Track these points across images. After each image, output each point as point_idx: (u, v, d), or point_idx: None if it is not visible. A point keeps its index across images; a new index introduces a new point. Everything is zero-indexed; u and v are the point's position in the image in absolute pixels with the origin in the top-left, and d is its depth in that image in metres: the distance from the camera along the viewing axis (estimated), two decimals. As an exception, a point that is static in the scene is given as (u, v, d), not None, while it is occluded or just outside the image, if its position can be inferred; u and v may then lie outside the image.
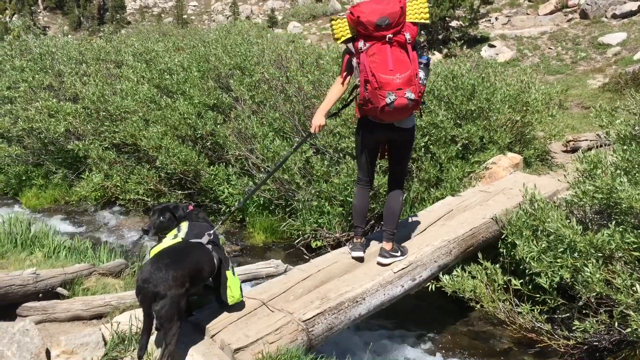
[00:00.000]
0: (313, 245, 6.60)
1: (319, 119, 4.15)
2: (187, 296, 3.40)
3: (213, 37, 11.66)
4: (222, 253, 3.75)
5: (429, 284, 4.48)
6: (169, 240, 3.65)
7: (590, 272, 3.68)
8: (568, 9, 21.40)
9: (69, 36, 24.54)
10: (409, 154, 4.41)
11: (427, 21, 4.04)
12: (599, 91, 13.05)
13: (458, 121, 6.48)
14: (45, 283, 4.74)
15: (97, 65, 10.99)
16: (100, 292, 4.94)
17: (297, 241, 6.82)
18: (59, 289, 4.84)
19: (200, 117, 8.25)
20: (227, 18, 36.33)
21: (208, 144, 8.22)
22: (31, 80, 10.39)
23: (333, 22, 3.98)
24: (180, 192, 8.14)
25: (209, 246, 3.66)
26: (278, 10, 36.42)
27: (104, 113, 8.96)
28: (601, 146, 7.28)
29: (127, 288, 5.07)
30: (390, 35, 3.77)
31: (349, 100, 4.35)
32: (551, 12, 21.66)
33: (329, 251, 6.33)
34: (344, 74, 4.07)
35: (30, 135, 9.58)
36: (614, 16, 19.46)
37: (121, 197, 8.33)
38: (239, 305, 3.85)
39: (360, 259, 4.43)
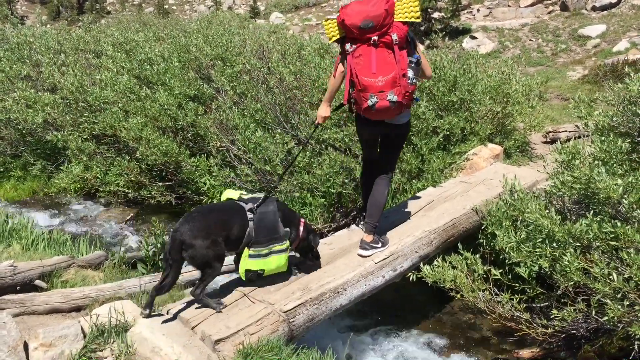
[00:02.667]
0: (295, 237, 6.58)
1: (323, 111, 4.25)
2: (221, 246, 3.66)
3: (194, 28, 11.56)
4: (265, 230, 3.82)
5: (410, 274, 4.50)
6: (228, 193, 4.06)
7: (568, 262, 3.73)
8: (549, 1, 21.56)
9: (48, 26, 24.14)
10: (399, 148, 4.48)
11: (418, 20, 4.01)
12: (578, 83, 13.18)
13: (440, 112, 6.50)
14: (23, 275, 4.69)
15: (76, 56, 10.87)
16: (80, 284, 4.91)
17: (279, 232, 6.80)
18: (37, 282, 4.80)
19: (181, 108, 8.18)
20: (209, 8, 35.98)
21: (189, 135, 8.16)
22: (8, 70, 10.24)
23: (324, 22, 4.03)
24: (161, 183, 8.08)
25: (249, 214, 3.81)
26: (260, 1, 36.17)
27: (83, 104, 8.86)
28: (580, 137, 7.35)
29: (107, 280, 5.05)
30: (376, 38, 3.77)
31: (340, 103, 4.34)
32: (532, 4, 21.79)
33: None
34: (336, 70, 4.06)
35: (7, 126, 9.44)
36: (594, 8, 19.65)
37: (101, 189, 8.25)
38: (220, 296, 3.85)
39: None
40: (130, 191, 8.05)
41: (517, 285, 4.34)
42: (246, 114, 7.56)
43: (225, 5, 35.63)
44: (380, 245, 4.41)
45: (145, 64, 9.24)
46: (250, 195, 4.02)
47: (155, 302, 3.94)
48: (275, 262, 3.88)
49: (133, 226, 7.77)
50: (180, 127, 8.08)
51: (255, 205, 3.84)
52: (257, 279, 3.94)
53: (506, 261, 4.43)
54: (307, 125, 6.81)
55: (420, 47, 4.26)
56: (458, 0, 19.74)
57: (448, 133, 6.37)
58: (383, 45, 3.80)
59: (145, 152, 7.65)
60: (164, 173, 8.08)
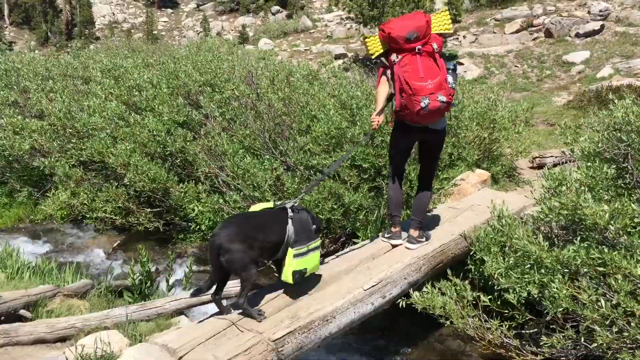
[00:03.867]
0: (284, 262, 6.55)
1: (378, 117, 4.61)
2: (256, 252, 3.79)
3: (183, 54, 11.63)
4: (302, 229, 4.03)
5: (399, 301, 4.48)
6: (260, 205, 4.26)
7: (557, 288, 3.73)
8: (533, 28, 21.94)
9: (36, 51, 24.17)
10: (439, 154, 4.92)
11: (450, 31, 4.58)
12: (563, 108, 13.35)
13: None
14: (8, 305, 4.62)
15: (64, 82, 10.87)
16: (65, 314, 4.83)
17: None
18: (22, 312, 4.72)
19: (169, 134, 8.18)
20: (198, 34, 36.27)
21: (177, 161, 8.15)
22: (-5, 97, 10.20)
23: (367, 39, 4.50)
24: (149, 210, 8.03)
25: (290, 220, 4.01)
26: (249, 26, 36.54)
27: (70, 130, 8.83)
28: (566, 162, 7.43)
29: (93, 309, 4.98)
30: (420, 47, 4.26)
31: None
32: (517, 31, 22.16)
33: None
34: (379, 83, 4.54)
35: (-6, 152, 9.37)
36: (577, 35, 20.01)
37: (88, 216, 8.18)
38: (208, 325, 3.81)
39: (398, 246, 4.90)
40: (117, 218, 7.99)
41: (507, 311, 4.34)
42: (235, 139, 7.57)
43: (214, 31, 35.93)
44: (424, 239, 4.87)
45: (134, 90, 9.26)
46: (281, 202, 4.24)
47: (142, 331, 3.89)
48: (313, 259, 4.09)
49: (120, 254, 7.69)
50: (169, 153, 8.07)
51: (295, 207, 4.11)
52: (300, 280, 4.03)
53: (495, 287, 4.43)
54: (295, 151, 6.82)
55: None
56: (444, 27, 20.04)
57: (436, 159, 6.40)
58: (425, 54, 4.28)
59: (133, 179, 7.61)
60: (152, 199, 8.04)
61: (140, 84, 9.35)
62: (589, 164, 4.53)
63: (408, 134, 4.61)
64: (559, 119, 11.22)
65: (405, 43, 4.25)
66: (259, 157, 7.29)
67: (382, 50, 4.43)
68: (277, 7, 40.00)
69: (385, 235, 5.04)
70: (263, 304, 4.04)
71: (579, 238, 3.98)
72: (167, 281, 5.65)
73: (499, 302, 4.40)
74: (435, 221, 5.36)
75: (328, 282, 4.35)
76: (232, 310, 3.89)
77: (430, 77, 4.23)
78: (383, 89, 4.52)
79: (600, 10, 20.71)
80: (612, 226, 3.81)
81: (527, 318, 4.34)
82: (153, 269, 5.86)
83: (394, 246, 4.90)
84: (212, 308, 4.52)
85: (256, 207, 4.26)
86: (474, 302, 4.49)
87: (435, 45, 4.30)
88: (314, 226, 4.19)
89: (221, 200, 7.24)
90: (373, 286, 4.26)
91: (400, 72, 4.28)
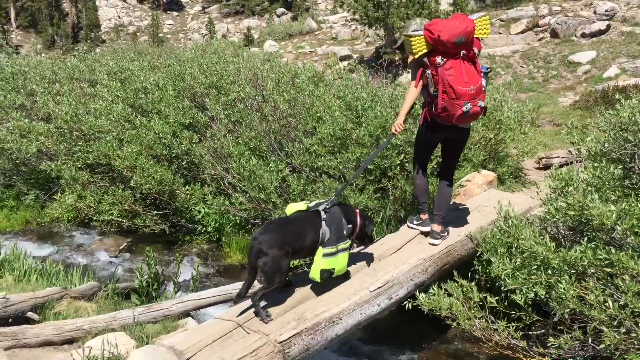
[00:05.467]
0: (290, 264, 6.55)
1: (400, 120, 4.71)
2: (289, 259, 4.03)
3: (189, 56, 11.66)
4: (334, 230, 4.18)
5: (405, 302, 4.47)
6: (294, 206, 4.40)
7: (564, 289, 3.72)
8: (539, 28, 21.87)
9: (43, 55, 24.29)
10: (461, 152, 5.10)
11: (488, 36, 4.80)
12: (569, 109, 13.30)
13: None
14: (15, 308, 4.64)
15: (71, 85, 10.91)
16: (72, 316, 4.85)
17: (274, 261, 6.78)
18: (30, 314, 4.74)
19: (175, 136, 8.20)
20: (203, 36, 36.35)
21: (183, 163, 8.17)
22: (2, 100, 10.27)
23: (411, 39, 4.43)
24: (155, 212, 8.05)
25: (323, 215, 4.19)
26: (254, 28, 36.60)
27: (77, 133, 8.87)
28: (573, 163, 7.41)
29: (100, 311, 4.99)
30: (465, 52, 4.32)
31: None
32: (522, 32, 22.10)
33: (305, 270, 6.32)
34: (418, 81, 4.59)
35: (1, 156, 9.43)
36: (583, 35, 19.93)
37: (95, 218, 8.22)
38: (215, 327, 3.82)
39: (428, 234, 5.02)
40: (124, 220, 8.02)
41: (514, 312, 4.32)
42: (240, 142, 7.59)
43: (219, 34, 36.01)
44: (446, 234, 5.00)
45: (140, 92, 9.29)
46: (315, 202, 4.37)
47: (149, 333, 3.90)
48: (342, 260, 4.18)
49: (127, 256, 7.72)
50: (174, 155, 8.09)
51: (327, 208, 4.24)
52: (328, 279, 4.16)
53: (502, 288, 4.41)
54: (301, 152, 6.83)
55: None
56: (450, 28, 19.99)
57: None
58: (467, 58, 4.35)
59: (139, 181, 7.64)
60: (158, 202, 8.07)
61: (146, 87, 9.39)
62: (595, 164, 4.52)
63: (438, 132, 4.72)
64: (565, 119, 11.19)
65: (453, 47, 4.27)
66: (265, 159, 7.31)
67: (425, 50, 4.40)
68: (282, 9, 40.05)
69: (415, 222, 5.17)
70: (269, 304, 4.04)
71: (585, 239, 3.96)
72: (174, 283, 5.66)
73: (505, 303, 4.38)
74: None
75: (334, 283, 4.35)
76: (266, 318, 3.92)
77: (472, 82, 4.31)
78: (414, 91, 4.63)
79: (606, 10, 20.62)
80: (620, 227, 3.79)
81: (534, 319, 4.32)
82: (160, 271, 5.87)
83: (423, 233, 5.04)
84: (221, 308, 4.55)
85: (291, 208, 4.40)
86: (481, 303, 4.48)
87: (476, 50, 4.41)
88: (349, 225, 4.33)
89: (227, 202, 7.27)
90: (379, 287, 4.26)
91: (445, 75, 4.30)
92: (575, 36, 20.24)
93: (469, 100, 4.31)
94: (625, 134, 4.42)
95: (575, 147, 4.91)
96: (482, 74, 4.43)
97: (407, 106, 4.70)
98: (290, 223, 4.22)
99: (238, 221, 7.38)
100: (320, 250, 4.08)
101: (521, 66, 19.21)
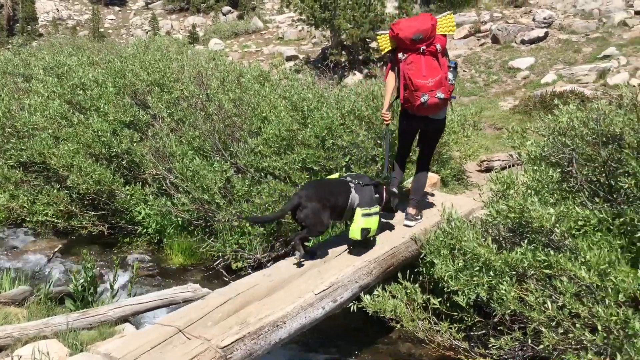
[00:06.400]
0: (233, 266, 6.45)
1: (384, 109, 5.17)
2: (328, 212, 4.61)
3: (131, 52, 11.30)
4: (363, 197, 4.74)
5: (350, 304, 4.45)
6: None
7: (505, 290, 3.77)
8: (481, 34, 22.37)
9: (-26, 47, 23.14)
10: (437, 141, 5.47)
11: (453, 33, 5.42)
12: (509, 113, 13.64)
13: (379, 141, 6.56)
14: (-62, 315, 4.35)
15: (4, 79, 10.41)
16: (1, 322, 4.59)
17: (216, 263, 6.65)
18: (-46, 321, 4.45)
19: (115, 134, 7.93)
20: (147, 33, 35.48)
21: (124, 162, 7.92)
22: None
23: (378, 37, 5.01)
24: (93, 213, 7.77)
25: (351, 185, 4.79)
26: (199, 26, 35.97)
27: (10, 129, 8.46)
28: (513, 166, 7.59)
29: (32, 317, 4.74)
30: (424, 47, 4.70)
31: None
32: (465, 37, 22.56)
33: (249, 273, 6.23)
34: (387, 74, 5.06)
35: None
36: (523, 42, 20.53)
37: (28, 219, 7.85)
38: (154, 333, 3.68)
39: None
40: (59, 221, 7.70)
41: (456, 313, 4.37)
42: (184, 141, 7.41)
43: (163, 30, 35.22)
44: (420, 217, 5.38)
45: (78, 88, 8.94)
46: (350, 174, 5.08)
47: (84, 340, 3.73)
48: (375, 222, 4.70)
49: (62, 259, 7.39)
50: (114, 154, 7.83)
51: (357, 181, 4.83)
52: (365, 238, 4.67)
53: (444, 289, 4.45)
54: (246, 153, 6.72)
55: None
56: (395, 31, 20.20)
57: (387, 162, 6.41)
58: (429, 53, 4.72)
59: (76, 180, 7.35)
60: (96, 202, 7.78)
61: (85, 83, 9.04)
62: (535, 167, 4.63)
63: (410, 121, 5.13)
64: (505, 123, 11.47)
65: (411, 43, 4.69)
66: (209, 159, 7.15)
67: (390, 48, 4.90)
68: (228, 8, 39.53)
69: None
70: (211, 309, 3.94)
71: (525, 240, 4.04)
72: (112, 287, 5.44)
73: (448, 305, 4.42)
74: (386, 224, 5.34)
75: (278, 286, 4.28)
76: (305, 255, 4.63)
77: (431, 75, 4.67)
78: (390, 83, 5.04)
79: (545, 18, 21.32)
80: (558, 229, 3.89)
81: (475, 320, 4.38)
82: (97, 275, 5.64)
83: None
84: (160, 313, 4.40)
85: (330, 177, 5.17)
86: (424, 305, 4.51)
87: (438, 46, 4.74)
88: (376, 195, 4.88)
89: (169, 203, 7.08)
90: (324, 290, 4.22)
91: (405, 69, 4.74)
92: (515, 42, 20.83)
93: (426, 92, 4.67)
94: (564, 139, 4.55)
95: (515, 151, 5.02)
96: (450, 68, 4.80)
97: (387, 97, 5.10)
98: (326, 183, 4.96)
99: (180, 222, 7.20)
100: (359, 211, 4.62)
101: (464, 70, 19.62)
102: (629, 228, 3.99)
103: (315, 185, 4.91)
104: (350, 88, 7.95)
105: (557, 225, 3.89)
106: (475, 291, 4.09)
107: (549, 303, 3.62)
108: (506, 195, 4.56)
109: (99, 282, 5.64)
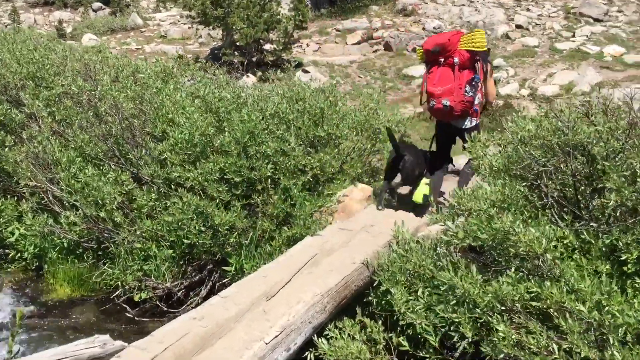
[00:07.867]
0: (136, 298, 5.37)
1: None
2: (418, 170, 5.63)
3: (-4, 41, 9.60)
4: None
5: (306, 353, 3.63)
6: None
7: (503, 333, 3.12)
8: (374, 41, 22.37)
9: None
10: (451, 145, 6.11)
11: (482, 49, 5.38)
12: (415, 120, 13.49)
13: (307, 149, 5.79)
14: None
15: None
16: None
17: (115, 294, 5.52)
18: None
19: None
20: (6, 26, 32.09)
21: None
22: None
23: (417, 50, 5.85)
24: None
25: None
26: (67, 22, 33.11)
27: None
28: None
29: None
30: (442, 59, 5.38)
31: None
32: (358, 42, 22.46)
33: (157, 305, 5.23)
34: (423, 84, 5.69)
35: None
36: (415, 50, 20.78)
37: None
38: None
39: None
40: None
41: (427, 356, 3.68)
42: (71, 146, 6.17)
43: (25, 24, 32.00)
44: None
45: None
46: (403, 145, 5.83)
47: None
48: (430, 189, 5.53)
49: None
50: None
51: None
52: (424, 202, 5.43)
53: (400, 322, 3.77)
54: (152, 161, 5.66)
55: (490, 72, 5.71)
56: (290, 33, 19.54)
57: (318, 172, 5.65)
58: (447, 65, 5.36)
59: None
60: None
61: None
62: (500, 181, 4.12)
63: (437, 125, 5.96)
64: (413, 130, 11.24)
65: (431, 55, 5.41)
66: (100, 168, 5.99)
67: (423, 59, 5.63)
68: (99, 4, 36.84)
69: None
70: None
71: (513, 268, 3.45)
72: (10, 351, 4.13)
73: (403, 336, 3.74)
74: (329, 247, 4.57)
75: (216, 334, 3.35)
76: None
77: (441, 84, 5.32)
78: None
79: (434, 28, 21.75)
80: (550, 254, 3.34)
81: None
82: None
83: None
84: None
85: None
86: (386, 345, 3.80)
87: (456, 59, 5.28)
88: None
89: (52, 222, 5.83)
90: (276, 337, 3.35)
91: (425, 77, 5.57)
92: (407, 50, 21.01)
93: (435, 99, 5.39)
94: (527, 149, 4.07)
95: (477, 162, 4.48)
96: (472, 82, 5.30)
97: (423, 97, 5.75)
98: (418, 149, 5.91)
99: (66, 245, 5.94)
100: (424, 180, 5.53)
101: (359, 76, 19.43)
102: (608, 250, 3.56)
103: (411, 146, 6.06)
104: (271, 88, 7.11)
105: (549, 250, 3.34)
106: (459, 330, 3.42)
107: (554, 346, 3.04)
108: (472, 212, 3.99)
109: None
